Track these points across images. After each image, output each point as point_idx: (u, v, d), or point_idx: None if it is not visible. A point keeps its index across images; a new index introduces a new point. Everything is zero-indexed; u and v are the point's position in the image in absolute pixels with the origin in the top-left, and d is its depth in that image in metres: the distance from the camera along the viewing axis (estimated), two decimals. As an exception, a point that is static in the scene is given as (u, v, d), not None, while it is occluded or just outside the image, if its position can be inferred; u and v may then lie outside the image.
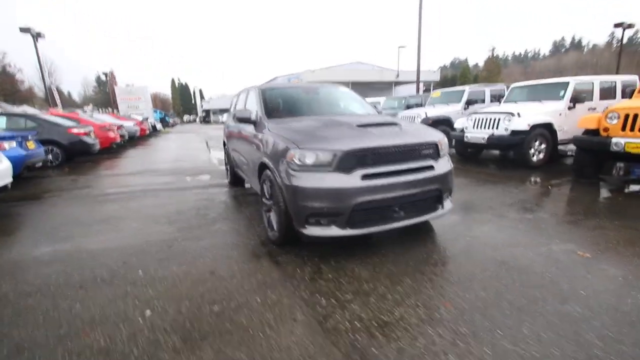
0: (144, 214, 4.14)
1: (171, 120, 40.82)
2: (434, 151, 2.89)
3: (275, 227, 2.97)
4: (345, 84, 35.25)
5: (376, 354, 1.68)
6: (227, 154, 5.75)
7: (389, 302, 2.12)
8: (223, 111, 58.22)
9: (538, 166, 6.28)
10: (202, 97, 70.68)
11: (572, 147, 7.33)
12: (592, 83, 6.68)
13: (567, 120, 6.42)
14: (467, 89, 9.34)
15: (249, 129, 3.84)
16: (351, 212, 2.51)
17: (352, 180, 2.51)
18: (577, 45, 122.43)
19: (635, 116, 4.39)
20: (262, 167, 3.20)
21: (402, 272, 2.50)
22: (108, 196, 5.18)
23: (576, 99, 6.41)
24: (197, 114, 67.20)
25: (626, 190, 4.57)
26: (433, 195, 2.88)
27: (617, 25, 19.46)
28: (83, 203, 4.79)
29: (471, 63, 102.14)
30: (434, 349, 1.70)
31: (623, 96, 6.88)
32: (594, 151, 4.85)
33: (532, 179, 5.50)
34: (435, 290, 2.24)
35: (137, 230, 3.57)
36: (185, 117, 65.46)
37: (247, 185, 5.65)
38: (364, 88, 33.72)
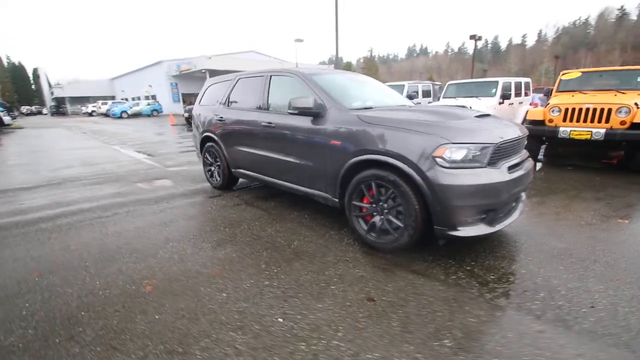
0: (156, 241, 3.00)
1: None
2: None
3: (393, 232, 2.60)
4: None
5: (653, 346, 1.68)
6: (212, 152, 4.72)
7: (589, 295, 2.12)
8: (80, 100, 47.06)
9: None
10: (49, 84, 55.42)
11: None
12: (510, 83, 8.24)
13: (499, 113, 7.75)
14: (407, 84, 10.20)
15: (298, 122, 3.23)
16: (502, 207, 2.42)
17: (502, 174, 2.41)
18: (424, 51, 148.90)
19: (573, 110, 5.63)
20: (358, 166, 2.74)
21: (549, 262, 2.56)
22: (55, 221, 3.55)
23: (504, 96, 7.79)
24: (44, 104, 52.60)
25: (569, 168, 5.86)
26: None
27: (471, 37, 24.44)
28: (27, 236, 3.15)
29: (345, 61, 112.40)
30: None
31: (526, 95, 8.75)
32: (544, 137, 6.01)
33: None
34: (593, 273, 2.38)
35: (196, 269, 2.57)
36: (25, 109, 50.38)
37: (240, 187, 4.79)
38: (263, 79, 32.86)
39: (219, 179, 4.74)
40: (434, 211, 2.37)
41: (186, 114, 17.46)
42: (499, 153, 2.44)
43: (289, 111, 3.15)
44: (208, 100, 4.93)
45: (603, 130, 5.23)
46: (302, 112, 3.08)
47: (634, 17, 78.44)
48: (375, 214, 2.75)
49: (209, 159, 4.86)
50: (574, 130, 5.53)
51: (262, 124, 3.68)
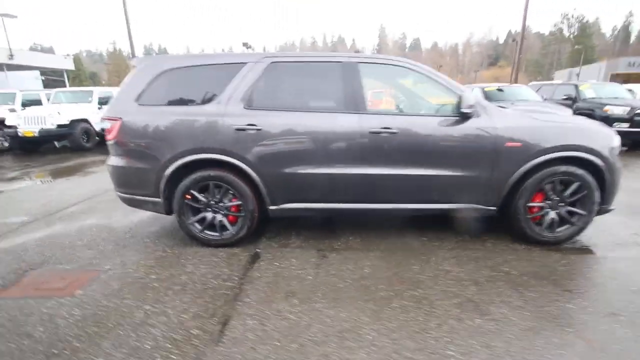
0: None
1: None
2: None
3: (571, 222, 2.77)
4: None
5: None
6: (211, 189, 2.75)
7: None
8: None
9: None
10: None
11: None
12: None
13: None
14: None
15: (438, 124, 2.70)
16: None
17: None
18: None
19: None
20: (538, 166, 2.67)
21: None
22: None
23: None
24: None
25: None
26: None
27: (244, 45, 26.22)
28: None
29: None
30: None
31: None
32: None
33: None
34: None
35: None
36: None
37: (270, 228, 3.15)
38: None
39: (232, 228, 2.83)
40: (609, 192, 2.77)
41: None
42: None
43: (464, 111, 2.49)
44: (162, 97, 2.77)
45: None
46: (472, 113, 2.53)
47: (320, 44, 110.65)
48: (548, 210, 2.79)
49: (200, 200, 2.77)
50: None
51: (370, 130, 2.62)
